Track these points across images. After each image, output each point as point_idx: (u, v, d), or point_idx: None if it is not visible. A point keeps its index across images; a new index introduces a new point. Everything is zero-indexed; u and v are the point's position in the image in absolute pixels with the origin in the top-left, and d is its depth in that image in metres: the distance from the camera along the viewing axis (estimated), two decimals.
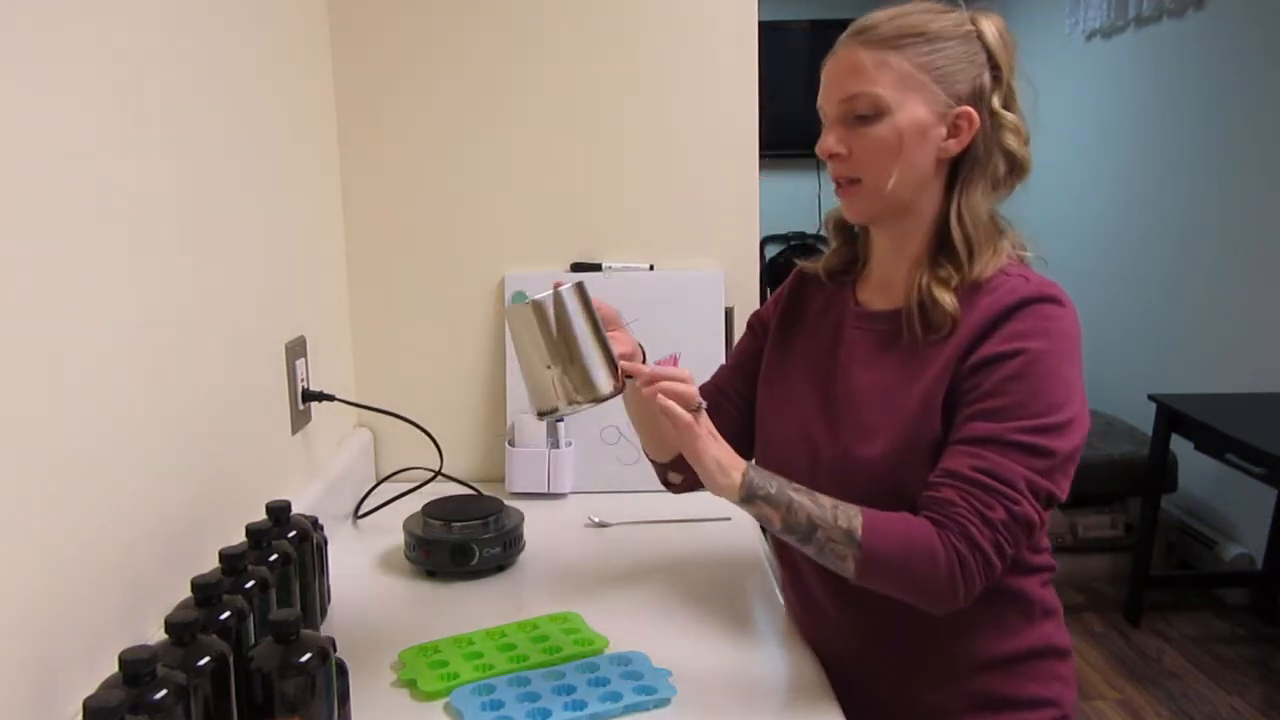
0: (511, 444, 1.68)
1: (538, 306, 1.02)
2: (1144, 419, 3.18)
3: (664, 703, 1.02)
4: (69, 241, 0.86)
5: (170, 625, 0.81)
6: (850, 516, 0.98)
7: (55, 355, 0.84)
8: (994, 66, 1.04)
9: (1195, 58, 3.53)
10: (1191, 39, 3.55)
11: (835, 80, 1.05)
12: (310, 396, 1.46)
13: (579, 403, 1.03)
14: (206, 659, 0.81)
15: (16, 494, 0.78)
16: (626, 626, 1.18)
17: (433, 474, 1.59)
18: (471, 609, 1.25)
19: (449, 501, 1.43)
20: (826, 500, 1.00)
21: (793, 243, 5.14)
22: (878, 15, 1.04)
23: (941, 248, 1.06)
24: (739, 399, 1.25)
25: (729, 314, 1.72)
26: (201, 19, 1.14)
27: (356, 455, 1.64)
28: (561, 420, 1.37)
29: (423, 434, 1.57)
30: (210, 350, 1.14)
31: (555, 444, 1.67)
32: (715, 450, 1.01)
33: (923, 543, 0.96)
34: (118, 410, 0.93)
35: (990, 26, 1.05)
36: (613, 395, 1.04)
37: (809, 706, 1.03)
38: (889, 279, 1.11)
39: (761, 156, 1.72)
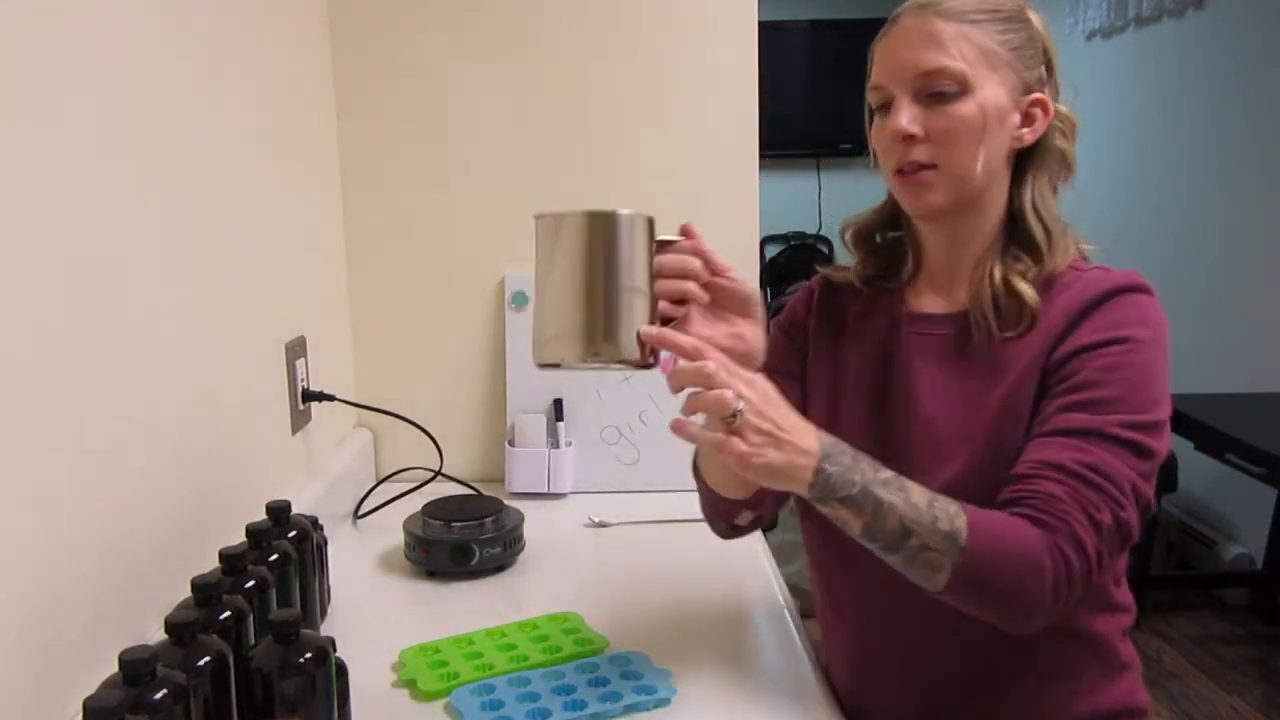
0: (511, 444, 1.68)
1: (577, 222, 0.85)
2: None
3: (664, 703, 1.02)
4: (68, 242, 0.86)
5: (170, 625, 0.81)
6: (951, 515, 0.84)
7: (54, 355, 0.84)
8: (1046, 58, 0.99)
9: (1195, 58, 3.53)
10: (1191, 39, 3.55)
11: (908, 53, 0.94)
12: (310, 396, 1.46)
13: (597, 357, 0.85)
14: (206, 659, 0.81)
15: (16, 494, 0.78)
16: (626, 626, 1.18)
17: (433, 474, 1.59)
18: (471, 609, 1.25)
19: (449, 501, 1.43)
20: (919, 493, 0.85)
21: (793, 243, 5.14)
22: None
23: (1013, 241, 0.98)
24: (798, 409, 1.07)
25: None
26: (201, 18, 1.14)
27: (356, 455, 1.64)
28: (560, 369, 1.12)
29: (423, 434, 1.57)
30: (210, 350, 1.14)
31: (555, 444, 1.67)
32: (769, 457, 0.83)
33: (1031, 548, 0.83)
34: (117, 410, 0.93)
35: (1037, 16, 0.99)
36: (634, 364, 0.87)
37: (809, 706, 1.03)
38: (947, 281, 1.02)
39: (761, 156, 1.72)
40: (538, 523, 1.45)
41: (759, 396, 0.84)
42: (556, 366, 0.87)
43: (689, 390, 0.85)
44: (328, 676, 0.87)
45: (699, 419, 0.86)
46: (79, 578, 0.87)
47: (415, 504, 1.45)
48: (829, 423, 1.03)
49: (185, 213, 1.09)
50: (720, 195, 1.70)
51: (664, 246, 0.91)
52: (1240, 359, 3.29)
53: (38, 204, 0.81)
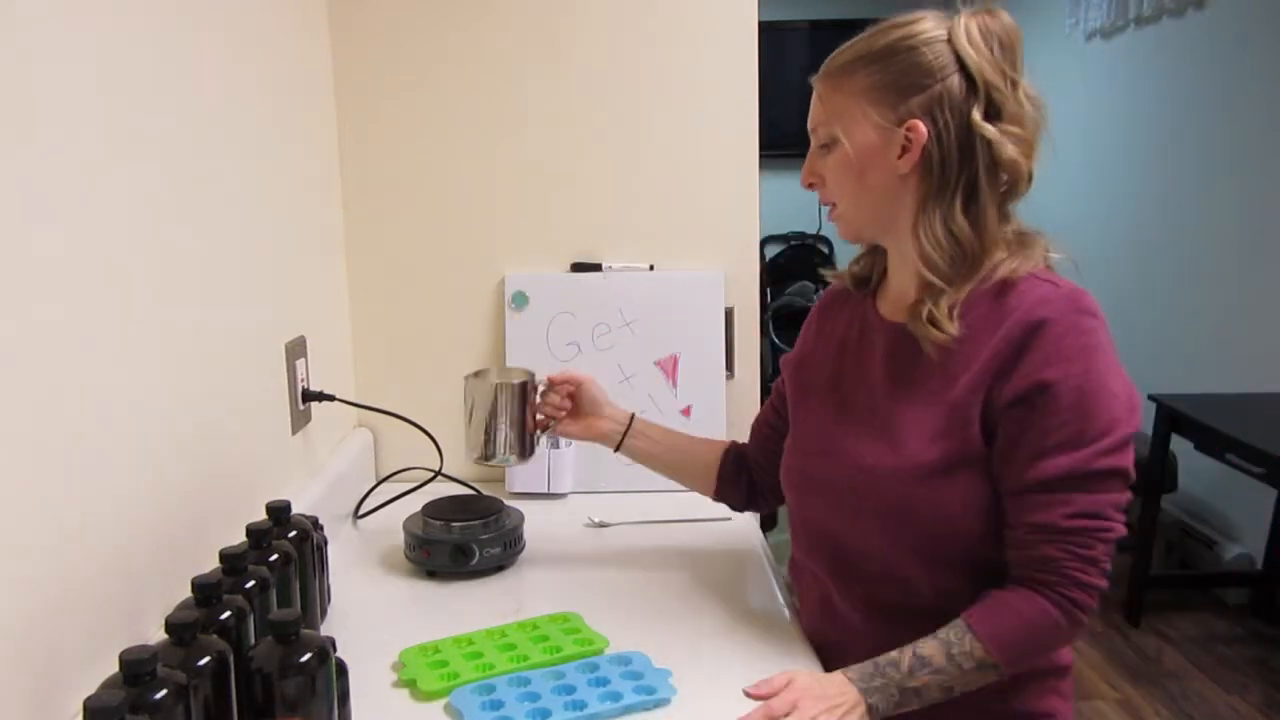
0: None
1: (489, 387, 1.32)
2: (1144, 419, 3.18)
3: (664, 703, 1.02)
4: (69, 243, 0.86)
5: (170, 625, 0.81)
6: (968, 651, 0.96)
7: (55, 356, 0.84)
8: (967, 74, 0.99)
9: (1195, 57, 3.53)
10: (1191, 39, 3.55)
11: (809, 112, 1.09)
12: (310, 396, 1.46)
13: (489, 460, 1.33)
14: (206, 659, 0.81)
15: (17, 494, 0.78)
16: (626, 626, 1.18)
17: (433, 474, 1.59)
18: (471, 609, 1.25)
19: (449, 501, 1.43)
20: (936, 653, 0.97)
21: (793, 243, 5.13)
22: (846, 44, 1.06)
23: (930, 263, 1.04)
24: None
25: (729, 314, 1.72)
26: (201, 19, 1.14)
27: (356, 455, 1.64)
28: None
29: (423, 434, 1.57)
30: (210, 350, 1.14)
31: (555, 444, 1.66)
32: None
33: (1041, 618, 0.97)
34: (117, 410, 0.93)
35: (965, 31, 0.99)
36: (512, 463, 1.35)
37: None
38: (902, 292, 1.09)
39: (761, 156, 1.72)
40: (538, 523, 1.45)
41: (806, 704, 0.97)
42: (483, 458, 1.34)
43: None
44: (328, 676, 0.87)
45: None
46: (79, 577, 0.87)
47: (415, 504, 1.45)
48: (805, 415, 1.17)
49: (185, 213, 1.09)
50: (720, 195, 1.70)
51: (546, 391, 1.35)
52: (1240, 359, 3.29)
53: (38, 205, 0.82)
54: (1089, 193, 4.24)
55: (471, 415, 1.32)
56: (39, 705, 0.81)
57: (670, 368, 1.69)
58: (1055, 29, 4.39)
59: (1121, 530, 0.97)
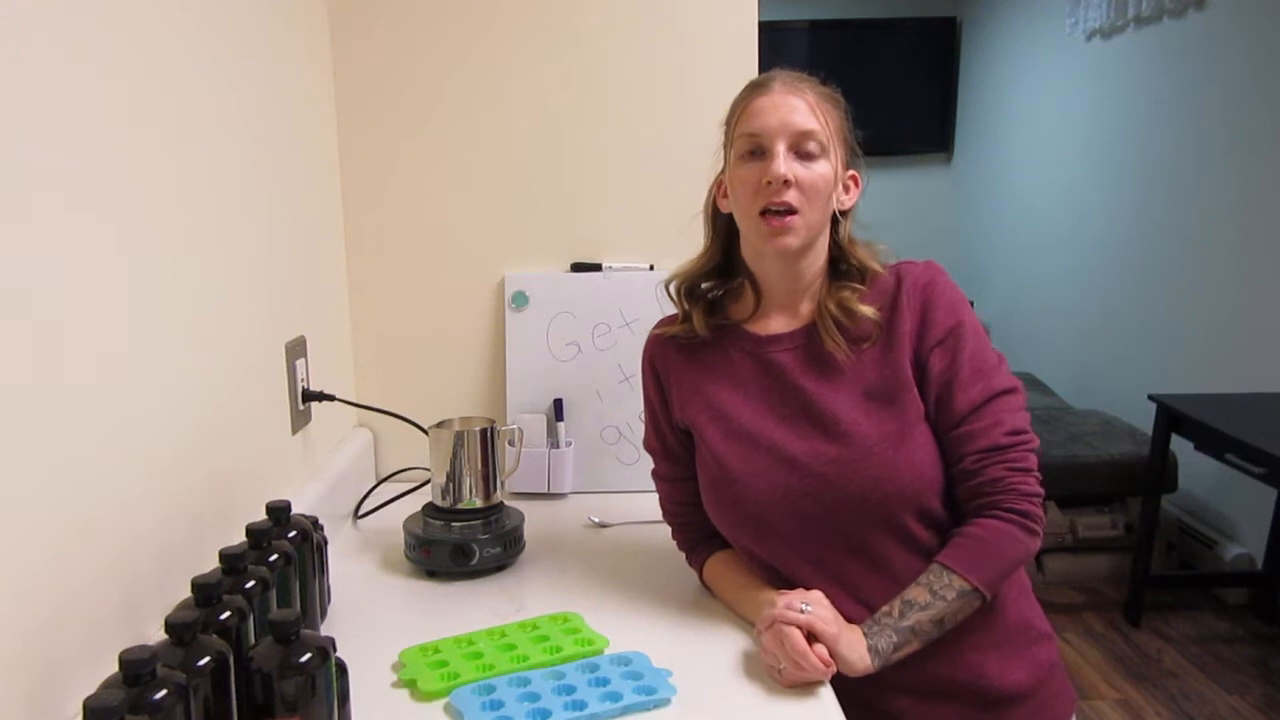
0: (511, 444, 1.68)
1: (452, 435, 1.40)
2: (1144, 419, 3.18)
3: (664, 703, 1.02)
4: (69, 242, 0.86)
5: (170, 625, 0.81)
6: (950, 582, 1.08)
7: (55, 355, 0.84)
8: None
9: (1195, 58, 3.53)
10: (1192, 39, 3.55)
11: (787, 112, 1.13)
12: (310, 396, 1.46)
13: (458, 503, 1.39)
14: (206, 659, 0.81)
15: (17, 494, 0.78)
16: (626, 626, 1.18)
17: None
18: (471, 609, 1.25)
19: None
20: (921, 594, 1.08)
21: None
22: (796, 73, 1.17)
23: (840, 274, 1.19)
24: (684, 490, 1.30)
25: None
26: (202, 20, 1.14)
27: (356, 455, 1.64)
28: None
29: (423, 434, 1.57)
30: (210, 350, 1.14)
31: (555, 444, 1.67)
32: (855, 661, 1.05)
33: (999, 536, 1.10)
34: (118, 410, 0.93)
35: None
36: (477, 505, 1.39)
37: (808, 705, 1.03)
38: (790, 305, 1.21)
39: None
40: (538, 523, 1.45)
41: (816, 612, 1.07)
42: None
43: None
44: (328, 676, 0.87)
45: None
46: (79, 578, 0.87)
47: (415, 504, 1.45)
48: (746, 452, 1.17)
49: (185, 213, 1.09)
50: None
51: None
52: (1240, 359, 3.29)
53: (39, 204, 0.82)
54: (1089, 192, 4.23)
55: (437, 463, 1.39)
56: (39, 705, 0.81)
57: None
58: (1055, 29, 4.38)
59: (1037, 440, 1.13)
